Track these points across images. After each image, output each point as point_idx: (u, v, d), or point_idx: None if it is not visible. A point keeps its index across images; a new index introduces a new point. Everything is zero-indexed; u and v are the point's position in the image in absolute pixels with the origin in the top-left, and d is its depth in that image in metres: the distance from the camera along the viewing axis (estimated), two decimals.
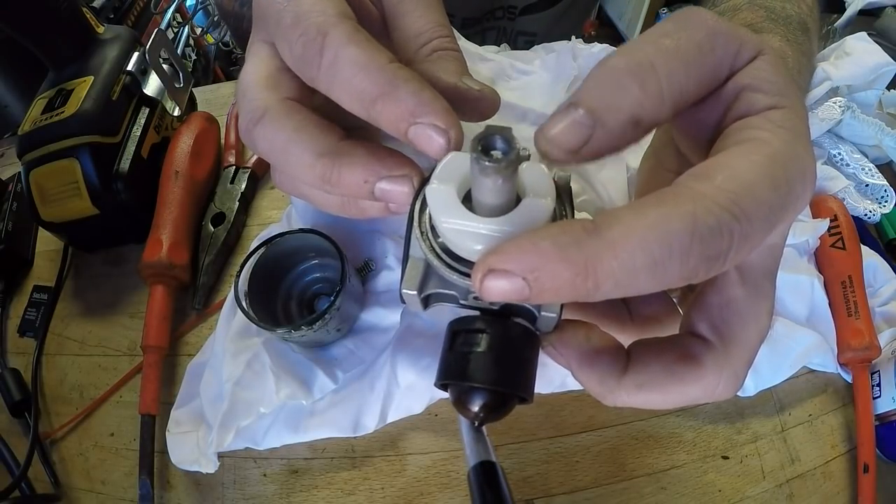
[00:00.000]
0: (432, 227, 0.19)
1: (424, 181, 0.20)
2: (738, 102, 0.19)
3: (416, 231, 0.19)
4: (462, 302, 0.20)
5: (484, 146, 0.16)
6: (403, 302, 0.20)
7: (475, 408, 0.19)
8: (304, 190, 0.25)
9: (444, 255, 0.19)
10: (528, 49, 0.56)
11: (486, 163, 0.15)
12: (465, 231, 0.17)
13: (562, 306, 0.20)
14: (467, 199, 0.18)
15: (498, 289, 0.16)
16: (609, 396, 0.20)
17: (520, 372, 0.20)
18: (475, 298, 0.19)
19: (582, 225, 0.16)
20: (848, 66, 0.50)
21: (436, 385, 0.21)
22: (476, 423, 0.20)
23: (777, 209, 0.17)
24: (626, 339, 0.22)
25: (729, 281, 0.20)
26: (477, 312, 0.20)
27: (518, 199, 0.18)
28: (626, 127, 0.18)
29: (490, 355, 0.19)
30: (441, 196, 0.18)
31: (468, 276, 0.18)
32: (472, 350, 0.19)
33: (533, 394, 0.20)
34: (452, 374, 0.20)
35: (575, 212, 0.20)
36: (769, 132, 0.18)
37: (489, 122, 0.19)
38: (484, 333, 0.19)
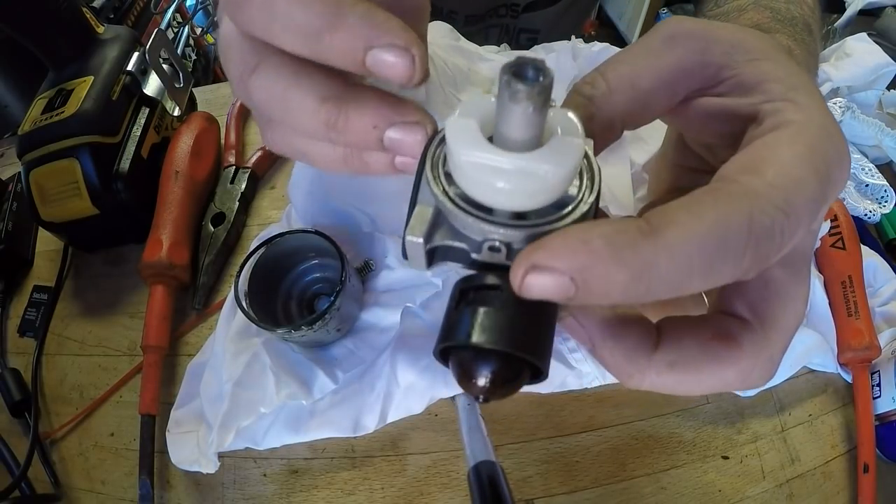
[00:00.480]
0: (447, 174, 0.17)
1: (436, 133, 0.19)
2: (757, 93, 0.19)
3: (427, 173, 0.17)
4: (474, 256, 0.17)
5: (515, 71, 0.14)
6: (405, 257, 0.18)
7: (483, 378, 0.17)
8: (302, 144, 0.22)
9: (458, 200, 0.17)
10: (530, 46, 0.56)
11: (519, 86, 0.14)
12: (489, 165, 0.15)
13: None
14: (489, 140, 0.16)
15: (540, 286, 0.15)
16: (637, 376, 0.18)
17: (536, 335, 0.17)
18: (490, 250, 0.17)
19: (637, 225, 0.15)
20: (848, 66, 0.50)
21: (435, 353, 0.18)
22: (482, 398, 0.17)
23: (821, 199, 0.16)
24: (650, 315, 0.20)
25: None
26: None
27: (540, 141, 0.16)
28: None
29: (504, 313, 0.16)
30: (463, 129, 0.16)
31: (485, 220, 0.16)
32: (483, 308, 0.16)
33: (549, 367, 0.18)
34: (458, 336, 0.17)
35: (600, 169, 0.18)
36: (803, 114, 0.18)
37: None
38: (498, 290, 0.17)
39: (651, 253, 0.14)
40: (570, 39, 0.53)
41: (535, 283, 0.15)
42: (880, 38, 0.58)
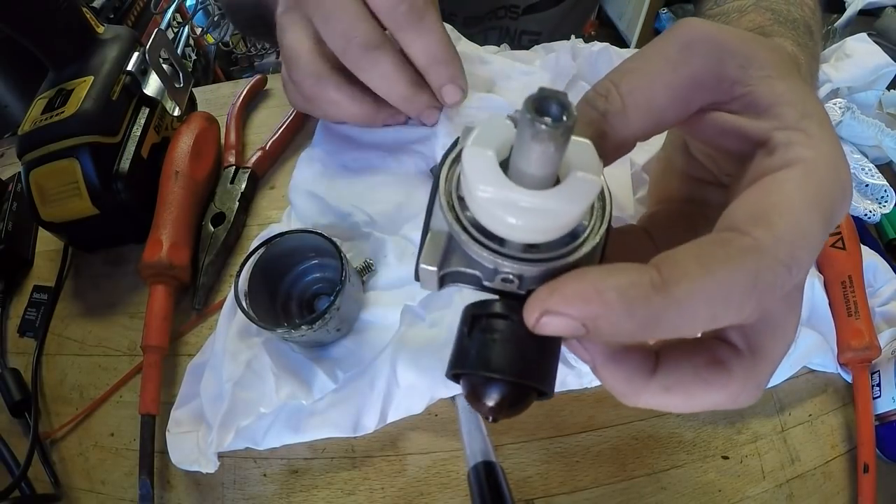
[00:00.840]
0: (460, 198, 0.17)
1: (452, 147, 0.19)
2: (770, 116, 0.19)
3: (441, 200, 0.17)
4: (485, 284, 0.18)
5: (538, 108, 0.14)
6: (418, 279, 0.18)
7: (492, 401, 0.17)
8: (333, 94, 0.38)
9: (471, 229, 0.17)
10: (531, 48, 0.56)
11: (542, 126, 0.14)
12: (504, 202, 0.15)
13: None
14: (504, 169, 0.16)
15: (553, 327, 0.16)
16: (632, 397, 0.20)
17: (544, 364, 0.18)
18: (503, 281, 0.17)
19: (650, 279, 0.16)
20: (849, 67, 0.50)
21: (448, 375, 0.19)
22: (490, 418, 0.18)
23: (823, 242, 0.17)
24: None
25: None
26: (497, 297, 0.18)
27: (557, 176, 0.16)
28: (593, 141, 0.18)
29: (514, 344, 0.17)
30: (480, 160, 0.16)
31: (498, 253, 0.17)
32: (494, 337, 0.17)
33: (554, 388, 0.19)
34: (470, 364, 0.18)
35: (611, 194, 0.18)
36: (814, 149, 0.18)
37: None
38: (508, 320, 0.17)
39: (661, 308, 0.16)
40: (569, 39, 0.53)
41: (549, 324, 0.16)
42: (880, 38, 0.58)
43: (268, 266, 0.38)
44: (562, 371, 0.37)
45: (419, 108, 0.39)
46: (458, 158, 0.18)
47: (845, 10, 0.68)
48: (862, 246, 0.43)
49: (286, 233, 0.38)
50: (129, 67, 0.46)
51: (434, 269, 0.18)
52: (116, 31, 0.48)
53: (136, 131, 0.45)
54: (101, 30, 0.47)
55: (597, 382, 0.37)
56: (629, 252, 0.24)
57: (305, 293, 0.41)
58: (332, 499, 0.37)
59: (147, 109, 0.47)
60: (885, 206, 0.47)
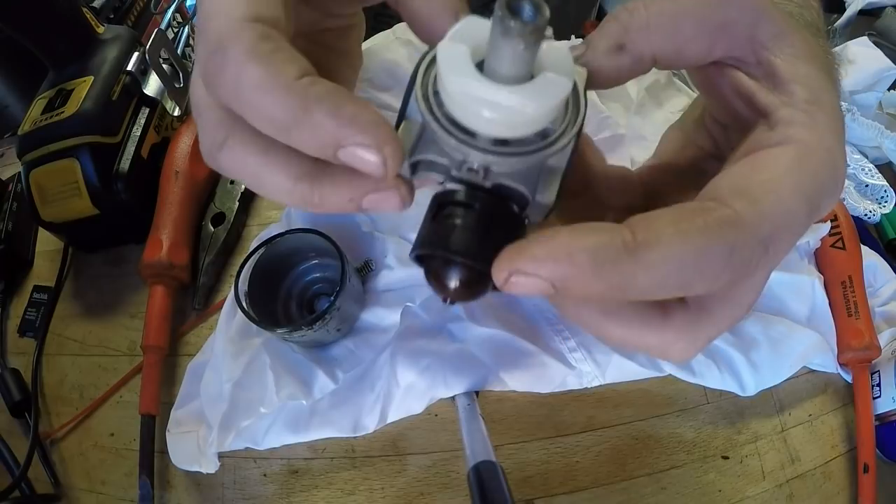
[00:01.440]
0: (436, 92, 0.18)
1: (429, 50, 0.19)
2: (783, 91, 0.19)
3: (417, 91, 0.18)
4: (453, 174, 0.18)
5: (511, 7, 0.15)
6: None
7: (452, 282, 0.18)
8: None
9: (443, 120, 0.17)
10: None
11: (512, 23, 0.14)
12: (475, 95, 0.16)
13: (557, 195, 0.18)
14: (479, 68, 0.17)
15: (521, 287, 0.16)
16: (572, 307, 0.19)
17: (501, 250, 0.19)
18: (469, 170, 0.18)
19: (622, 240, 0.15)
20: (851, 73, 0.50)
21: (411, 256, 0.19)
22: (449, 300, 0.19)
23: (803, 230, 0.17)
24: None
25: None
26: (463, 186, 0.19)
27: (531, 76, 0.17)
28: (610, 51, 0.19)
29: (476, 230, 0.18)
30: (454, 55, 0.16)
31: (467, 143, 0.17)
32: (458, 222, 0.18)
33: None
34: (433, 244, 0.18)
35: (587, 103, 0.19)
36: (815, 134, 0.18)
37: None
38: (472, 209, 0.18)
39: (631, 272, 0.15)
40: (569, 39, 0.53)
41: (518, 283, 0.16)
42: (880, 38, 0.58)
43: (268, 266, 0.38)
44: (562, 371, 0.37)
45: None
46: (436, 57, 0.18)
47: (845, 10, 0.68)
48: (862, 246, 0.43)
49: (286, 233, 0.37)
50: (129, 67, 0.45)
51: (405, 155, 0.18)
52: (116, 31, 0.48)
53: (136, 131, 0.45)
54: (101, 30, 0.47)
55: (597, 382, 0.37)
56: (615, 191, 0.24)
57: (305, 293, 0.41)
58: (332, 499, 0.37)
59: (147, 109, 0.47)
60: (885, 206, 0.47)
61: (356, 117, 0.16)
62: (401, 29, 0.53)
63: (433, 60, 0.18)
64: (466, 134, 0.17)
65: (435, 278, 0.19)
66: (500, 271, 0.16)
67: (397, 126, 0.19)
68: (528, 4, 0.15)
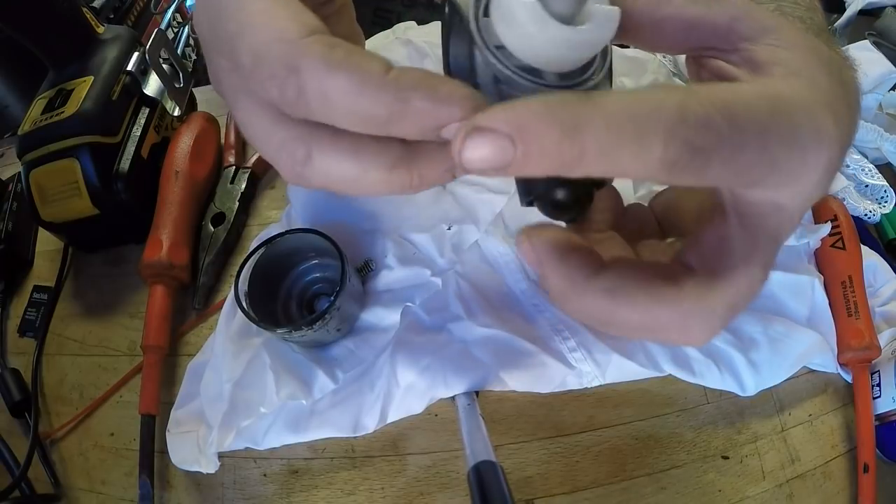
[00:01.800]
0: (498, 47, 0.19)
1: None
2: (763, 74, 0.19)
3: (481, 48, 0.18)
4: None
5: None
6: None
7: (572, 201, 0.20)
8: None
9: (514, 69, 0.18)
10: None
11: None
12: (560, 38, 0.17)
13: None
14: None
15: (479, 152, 0.15)
16: (574, 298, 0.19)
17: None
18: None
19: (574, 93, 0.16)
20: None
21: (524, 204, 0.21)
22: (574, 218, 0.20)
23: (773, 139, 0.16)
24: (604, 252, 0.21)
25: (726, 219, 0.19)
26: None
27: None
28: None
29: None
30: (528, 6, 0.17)
31: (539, 84, 0.18)
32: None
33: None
34: (547, 180, 0.20)
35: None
36: (786, 83, 0.18)
37: None
38: None
39: (583, 110, 0.15)
40: None
41: (476, 147, 0.15)
42: (880, 38, 0.58)
43: (268, 266, 0.38)
44: (562, 371, 0.37)
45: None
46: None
47: (845, 10, 0.68)
48: (862, 246, 0.43)
49: (286, 233, 0.37)
50: (129, 67, 0.46)
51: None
52: (116, 31, 0.48)
53: (136, 131, 0.45)
54: (101, 30, 0.47)
55: (597, 382, 0.37)
56: (634, 230, 0.24)
57: (305, 293, 0.41)
58: (332, 499, 0.37)
59: (147, 109, 0.47)
60: (885, 206, 0.47)
61: (452, 95, 0.17)
62: (401, 29, 0.53)
63: (484, 12, 0.19)
64: (535, 75, 0.18)
65: (555, 206, 0.20)
66: (457, 138, 0.15)
67: (449, 72, 0.20)
68: None
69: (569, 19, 0.17)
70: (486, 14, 0.19)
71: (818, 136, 0.17)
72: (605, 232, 0.23)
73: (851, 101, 0.20)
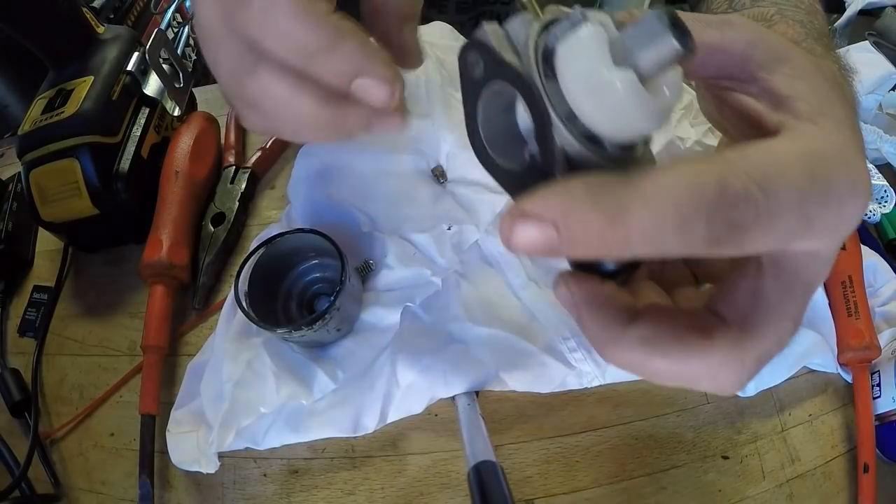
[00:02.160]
0: (571, 114, 0.17)
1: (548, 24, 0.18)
2: (784, 109, 0.19)
3: (561, 128, 0.17)
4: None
5: (674, 18, 0.15)
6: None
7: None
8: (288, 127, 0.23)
9: (587, 142, 0.17)
10: None
11: (678, 43, 0.15)
12: (650, 108, 0.16)
13: None
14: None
15: (525, 237, 0.16)
16: (611, 346, 0.19)
17: None
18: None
19: (616, 177, 0.15)
20: (855, 83, 0.51)
21: (574, 269, 0.21)
22: (624, 282, 0.19)
23: (811, 201, 0.16)
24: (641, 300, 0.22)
25: (761, 270, 0.19)
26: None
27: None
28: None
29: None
30: (630, 85, 0.16)
31: (606, 158, 0.17)
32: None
33: None
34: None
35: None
36: (821, 133, 0.18)
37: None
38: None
39: (625, 197, 0.15)
40: None
41: (522, 233, 0.16)
42: (880, 38, 0.58)
43: (268, 266, 0.38)
44: (562, 371, 0.37)
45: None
46: (548, 29, 0.18)
47: (845, 10, 0.68)
48: (862, 246, 0.43)
49: (286, 233, 0.38)
50: (129, 67, 0.46)
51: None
52: (116, 31, 0.48)
53: (136, 131, 0.45)
54: (101, 30, 0.47)
55: (597, 382, 0.37)
56: (671, 271, 0.24)
57: (305, 293, 0.41)
58: (332, 499, 0.37)
59: (147, 109, 0.47)
60: (885, 206, 0.47)
61: (377, 53, 0.19)
62: None
63: (545, 72, 0.17)
64: (598, 145, 0.17)
65: (604, 275, 0.20)
66: (503, 224, 0.16)
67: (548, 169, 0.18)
68: (680, 29, 0.15)
69: (650, 86, 0.16)
70: (549, 75, 0.17)
71: (854, 187, 0.17)
72: (643, 281, 0.24)
73: (856, 120, 0.20)
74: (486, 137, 0.20)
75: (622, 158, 0.18)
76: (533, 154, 0.18)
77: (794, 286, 0.19)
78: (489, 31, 0.18)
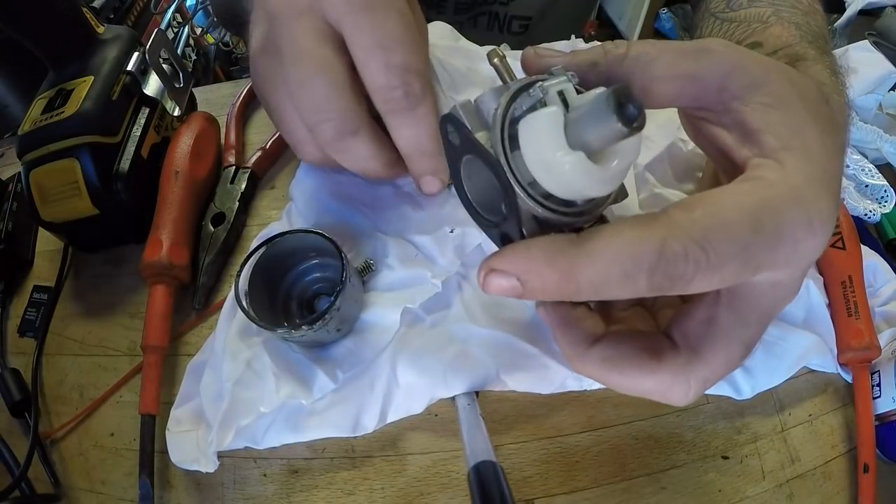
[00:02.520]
0: (511, 149, 0.19)
1: (517, 90, 0.20)
2: (753, 143, 0.20)
3: (521, 194, 0.19)
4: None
5: (620, 102, 0.16)
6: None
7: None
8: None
9: (544, 201, 0.19)
10: (522, 33, 0.55)
11: (622, 125, 0.16)
12: (582, 174, 0.18)
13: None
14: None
15: (496, 285, 0.19)
16: (578, 361, 0.23)
17: None
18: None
19: (568, 238, 0.19)
20: (854, 81, 0.51)
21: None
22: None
23: (756, 248, 0.18)
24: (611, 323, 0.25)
25: (717, 299, 0.21)
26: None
27: None
28: (585, 64, 0.22)
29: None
30: (551, 121, 0.18)
31: (568, 214, 0.20)
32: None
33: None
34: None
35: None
36: (779, 174, 0.19)
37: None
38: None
39: (574, 259, 0.18)
40: (567, 36, 0.52)
41: (493, 282, 0.19)
42: (880, 38, 0.58)
43: (268, 266, 0.38)
44: (562, 373, 0.37)
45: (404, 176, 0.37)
46: (515, 98, 0.20)
47: (845, 10, 0.68)
48: (862, 246, 0.43)
49: (286, 232, 0.37)
50: (129, 67, 0.45)
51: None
52: (116, 31, 0.48)
53: (136, 131, 0.45)
54: (101, 30, 0.47)
55: (597, 385, 0.37)
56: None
57: (306, 293, 0.41)
58: (332, 499, 0.37)
59: (147, 109, 0.47)
60: (885, 206, 0.47)
61: (436, 165, 0.34)
62: None
63: (510, 144, 0.20)
64: (567, 205, 0.20)
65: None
66: (479, 274, 0.20)
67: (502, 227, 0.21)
68: (632, 106, 0.16)
69: (602, 157, 0.18)
70: (513, 146, 0.19)
71: (809, 225, 0.19)
72: (632, 307, 0.26)
73: (839, 140, 0.21)
74: (469, 191, 0.23)
75: (581, 210, 0.20)
76: (505, 211, 0.21)
77: (749, 315, 0.21)
78: (461, 108, 0.21)
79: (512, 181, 0.19)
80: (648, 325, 0.25)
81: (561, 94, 0.19)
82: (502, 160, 0.19)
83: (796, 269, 0.20)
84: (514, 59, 0.52)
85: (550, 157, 0.18)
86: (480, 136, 0.20)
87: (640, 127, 0.16)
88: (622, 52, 0.22)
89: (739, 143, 0.21)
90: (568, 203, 0.20)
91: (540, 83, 0.19)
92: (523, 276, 0.19)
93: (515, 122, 0.19)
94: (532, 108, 0.19)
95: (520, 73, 0.24)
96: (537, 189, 0.19)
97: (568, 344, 0.23)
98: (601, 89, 0.18)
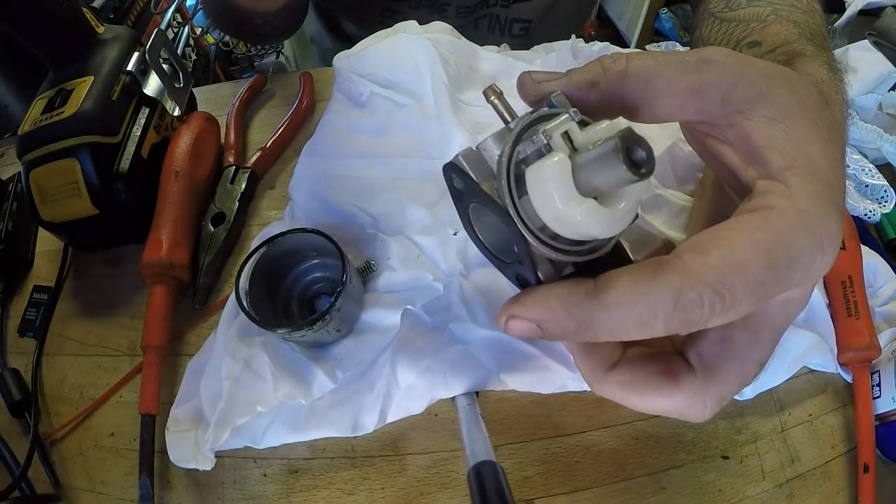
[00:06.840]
0: (519, 193, 0.19)
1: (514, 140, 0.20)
2: (758, 163, 0.20)
3: (532, 242, 0.19)
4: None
5: (629, 149, 0.16)
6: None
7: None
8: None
9: (555, 243, 0.19)
10: (523, 36, 0.55)
11: (632, 174, 0.16)
12: (586, 219, 0.18)
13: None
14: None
15: (517, 329, 0.20)
16: (597, 385, 0.23)
17: None
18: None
19: (585, 288, 0.19)
20: (854, 81, 0.51)
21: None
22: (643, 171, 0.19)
23: (771, 282, 0.18)
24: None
25: (730, 323, 0.20)
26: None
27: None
28: (584, 84, 0.21)
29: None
30: (561, 171, 0.18)
31: (575, 254, 0.20)
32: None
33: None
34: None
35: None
36: (786, 199, 0.19)
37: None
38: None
39: (592, 310, 0.19)
40: (568, 37, 0.52)
41: (514, 326, 0.20)
42: (880, 38, 0.58)
43: (268, 266, 0.38)
44: (563, 374, 0.37)
45: None
46: (520, 139, 0.20)
47: (845, 10, 0.68)
48: (862, 246, 0.43)
49: (287, 232, 0.37)
50: (129, 67, 0.45)
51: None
52: (116, 31, 0.48)
53: (136, 131, 0.45)
54: (101, 30, 0.47)
55: None
56: None
57: (306, 293, 0.41)
58: (332, 499, 0.37)
59: (147, 109, 0.47)
60: (885, 206, 0.47)
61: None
62: (401, 27, 0.53)
63: (517, 190, 0.19)
64: (579, 244, 0.20)
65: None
66: (499, 318, 0.21)
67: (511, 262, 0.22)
68: (641, 150, 0.16)
69: (610, 199, 0.19)
70: (521, 191, 0.19)
71: (819, 247, 0.19)
72: None
73: (840, 146, 0.21)
74: (479, 233, 0.23)
75: (593, 247, 0.20)
76: (518, 256, 0.21)
77: (763, 333, 0.21)
78: (464, 158, 0.20)
79: (524, 231, 0.19)
80: (664, 343, 0.25)
81: (566, 134, 0.18)
82: (511, 211, 0.19)
83: (805, 288, 0.20)
84: (513, 58, 0.52)
85: (562, 209, 0.18)
86: (486, 186, 0.20)
87: (650, 173, 0.16)
88: (621, 67, 0.21)
89: (745, 161, 0.21)
90: (579, 242, 0.20)
91: (543, 126, 0.19)
92: (543, 323, 0.20)
93: (521, 174, 0.19)
94: (537, 153, 0.19)
95: (519, 105, 0.23)
96: (547, 232, 0.19)
97: (588, 369, 0.23)
98: (606, 129, 0.18)
